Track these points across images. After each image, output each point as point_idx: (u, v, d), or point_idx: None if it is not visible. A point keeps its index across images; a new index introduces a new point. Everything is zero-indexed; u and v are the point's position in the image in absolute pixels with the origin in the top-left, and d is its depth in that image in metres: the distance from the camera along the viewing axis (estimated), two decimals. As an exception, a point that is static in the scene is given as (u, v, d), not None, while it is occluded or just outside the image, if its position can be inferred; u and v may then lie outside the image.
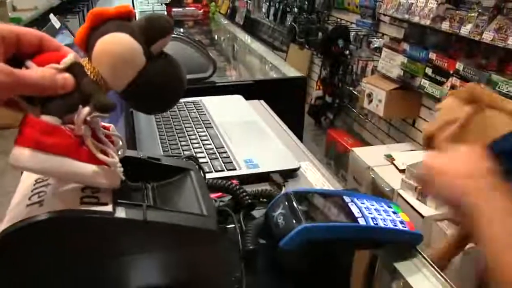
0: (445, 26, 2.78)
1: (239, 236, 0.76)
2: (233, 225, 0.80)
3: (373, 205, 0.79)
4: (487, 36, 2.46)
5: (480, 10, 2.58)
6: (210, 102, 1.47)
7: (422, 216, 2.24)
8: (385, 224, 0.75)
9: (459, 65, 2.76)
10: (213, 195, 0.87)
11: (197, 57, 1.78)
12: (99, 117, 0.54)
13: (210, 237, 0.58)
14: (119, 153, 0.58)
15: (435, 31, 2.93)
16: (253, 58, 2.63)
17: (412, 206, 2.35)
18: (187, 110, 1.38)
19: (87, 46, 0.53)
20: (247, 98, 1.56)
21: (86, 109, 0.51)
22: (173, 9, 3.66)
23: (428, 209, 2.25)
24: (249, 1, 6.92)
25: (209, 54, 1.83)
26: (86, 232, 0.53)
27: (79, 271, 0.54)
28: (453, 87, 2.77)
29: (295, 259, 0.70)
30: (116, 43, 0.51)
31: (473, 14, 2.61)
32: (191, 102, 1.45)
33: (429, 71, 3.02)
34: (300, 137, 1.90)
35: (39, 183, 0.57)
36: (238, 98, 1.53)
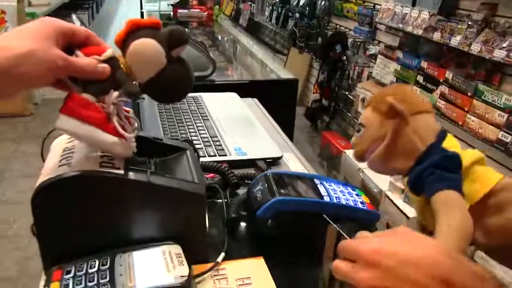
0: (436, 36, 2.90)
1: (225, 207, 0.92)
2: (220, 200, 0.95)
3: (339, 188, 0.94)
4: (475, 48, 2.58)
5: (469, 23, 2.69)
6: (208, 98, 1.62)
7: (408, 217, 2.37)
8: (346, 203, 0.90)
9: (448, 74, 2.88)
10: (206, 175, 1.03)
11: (199, 57, 1.92)
12: (122, 101, 0.71)
13: (199, 199, 0.74)
14: (135, 131, 0.74)
15: (428, 40, 3.04)
16: (251, 60, 2.77)
17: (398, 207, 2.48)
18: (187, 103, 1.54)
19: (123, 45, 0.70)
20: (242, 96, 1.70)
21: (116, 93, 0.68)
22: (179, 10, 3.78)
23: (413, 211, 2.37)
24: (253, 4, 7.04)
25: (210, 55, 1.98)
26: (103, 188, 0.69)
27: (97, 219, 0.70)
28: (442, 95, 2.90)
29: (270, 226, 0.86)
30: (146, 46, 0.69)
31: (463, 26, 2.73)
32: (191, 97, 1.60)
33: (420, 78, 3.15)
34: (291, 132, 2.05)
35: (66, 151, 0.73)
36: (233, 96, 1.68)
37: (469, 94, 2.68)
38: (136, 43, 0.68)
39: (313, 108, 4.66)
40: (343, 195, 0.92)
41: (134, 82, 0.71)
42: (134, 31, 0.70)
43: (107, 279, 0.66)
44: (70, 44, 0.68)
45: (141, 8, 6.61)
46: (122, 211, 0.71)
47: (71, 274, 0.68)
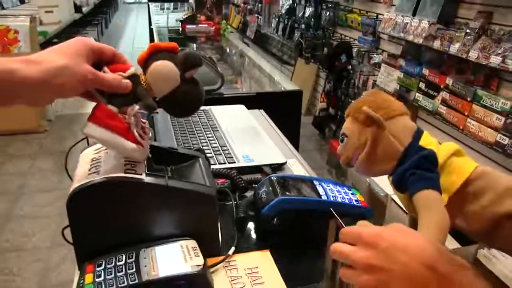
0: (436, 44, 3.00)
1: (234, 208, 1.03)
2: (231, 202, 1.06)
3: (336, 188, 1.05)
4: (473, 54, 2.67)
5: (467, 31, 2.78)
6: (217, 110, 1.73)
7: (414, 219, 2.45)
8: (342, 200, 1.00)
9: (448, 80, 2.97)
10: (217, 181, 1.14)
11: (208, 72, 2.05)
12: (141, 113, 0.82)
13: (210, 200, 0.85)
14: (150, 140, 0.86)
15: (429, 48, 3.14)
16: (258, 73, 2.88)
17: (403, 209, 2.57)
18: (198, 116, 1.65)
19: (145, 64, 0.82)
20: (249, 108, 1.81)
21: (137, 107, 0.80)
22: (187, 26, 3.87)
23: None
24: (259, 16, 7.16)
25: (218, 70, 2.10)
26: (127, 192, 0.80)
27: (123, 218, 0.82)
28: (443, 100, 2.99)
29: (274, 223, 0.96)
30: (164, 67, 0.80)
31: (461, 34, 2.82)
32: (201, 110, 1.71)
33: (422, 85, 3.24)
34: (297, 140, 2.16)
35: (94, 161, 0.84)
36: (240, 108, 1.80)
37: (468, 99, 2.77)
38: (156, 64, 0.80)
39: (320, 117, 4.75)
40: (339, 194, 1.02)
41: (151, 98, 0.82)
42: (155, 53, 0.81)
43: (134, 269, 0.77)
44: (99, 60, 0.80)
45: (150, 24, 6.77)
46: (144, 211, 0.83)
47: (102, 267, 0.79)
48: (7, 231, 3.17)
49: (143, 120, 0.85)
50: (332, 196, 1.00)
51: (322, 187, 1.02)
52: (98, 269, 0.79)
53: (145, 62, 0.82)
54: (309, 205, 0.96)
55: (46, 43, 5.64)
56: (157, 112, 1.57)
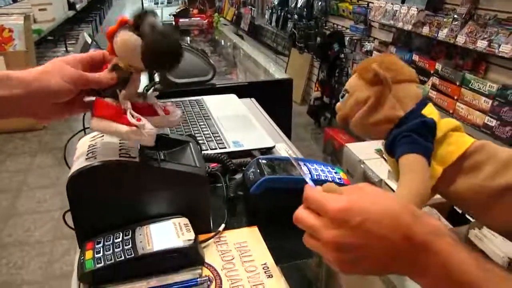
0: (425, 30, 3.05)
1: (224, 189, 1.09)
2: (221, 184, 1.13)
3: (320, 167, 1.11)
4: (460, 39, 2.73)
5: (455, 16, 2.84)
6: (209, 100, 1.79)
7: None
8: (325, 178, 1.07)
9: (438, 66, 3.04)
10: (209, 165, 1.20)
11: (200, 64, 2.11)
12: (153, 94, 0.90)
13: (200, 180, 0.92)
14: (178, 114, 0.93)
15: (418, 35, 3.20)
16: (250, 63, 2.94)
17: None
18: (191, 106, 1.71)
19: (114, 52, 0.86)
20: (241, 97, 1.87)
21: (123, 92, 0.85)
22: (180, 20, 3.91)
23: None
24: (253, 8, 7.20)
25: (210, 61, 2.16)
26: (122, 174, 0.87)
27: (119, 199, 0.88)
28: (433, 85, 3.05)
29: (261, 202, 1.02)
30: (118, 40, 0.84)
31: (448, 20, 2.88)
32: (194, 100, 1.77)
33: (413, 71, 3.30)
34: (288, 127, 2.22)
35: (91, 147, 0.90)
36: (232, 97, 1.86)
37: (457, 83, 2.83)
38: (114, 42, 0.84)
39: (315, 106, 4.80)
40: (323, 172, 1.08)
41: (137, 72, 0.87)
42: (110, 38, 0.85)
43: (130, 245, 0.84)
44: (93, 66, 0.86)
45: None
46: (138, 192, 0.89)
47: (101, 244, 0.85)
48: (9, 226, 3.24)
49: (168, 103, 0.92)
50: (316, 175, 1.06)
51: (307, 167, 1.08)
52: (97, 246, 0.85)
53: (113, 51, 0.86)
54: (294, 183, 1.02)
55: (41, 41, 5.69)
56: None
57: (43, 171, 4.01)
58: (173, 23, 3.93)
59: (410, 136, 0.88)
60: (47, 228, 3.21)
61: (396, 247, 0.59)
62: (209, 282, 0.84)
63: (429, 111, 0.93)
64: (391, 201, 0.62)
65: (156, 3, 7.53)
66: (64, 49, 6.59)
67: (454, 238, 0.60)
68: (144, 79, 0.91)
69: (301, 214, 0.65)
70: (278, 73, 2.50)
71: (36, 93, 0.79)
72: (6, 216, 3.36)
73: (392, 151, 0.92)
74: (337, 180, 1.08)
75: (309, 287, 0.86)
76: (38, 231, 3.20)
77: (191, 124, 1.52)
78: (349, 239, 0.59)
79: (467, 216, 1.37)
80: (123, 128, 0.82)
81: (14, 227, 3.23)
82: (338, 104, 0.99)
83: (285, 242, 0.93)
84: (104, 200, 0.88)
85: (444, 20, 2.92)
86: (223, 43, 3.67)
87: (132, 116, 0.82)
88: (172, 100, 1.75)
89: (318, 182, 1.05)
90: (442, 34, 2.89)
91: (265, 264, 0.89)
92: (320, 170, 1.09)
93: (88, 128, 0.95)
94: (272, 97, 2.05)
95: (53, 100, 0.82)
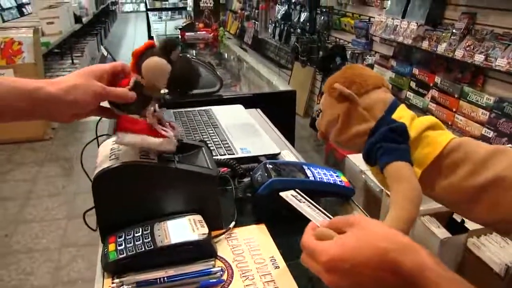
0: (425, 44, 3.14)
1: (234, 190, 1.18)
2: (231, 187, 1.21)
3: (322, 171, 1.19)
4: (458, 53, 2.81)
5: (453, 31, 2.94)
6: (217, 110, 1.88)
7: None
8: (327, 180, 1.15)
9: (437, 79, 3.12)
10: (220, 169, 1.28)
11: (207, 76, 2.20)
12: (163, 112, 0.98)
13: (213, 180, 1.00)
14: (177, 131, 1.01)
15: (419, 49, 3.29)
16: (254, 76, 3.03)
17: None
18: (200, 116, 1.79)
19: (137, 70, 0.94)
20: (247, 107, 1.96)
21: (151, 108, 0.94)
22: (186, 34, 4.00)
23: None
24: (256, 22, 7.30)
25: (217, 73, 2.25)
26: (143, 174, 0.95)
27: (139, 197, 0.96)
28: (433, 98, 3.13)
29: (268, 202, 1.10)
30: (149, 62, 0.91)
31: (447, 34, 2.98)
32: (203, 110, 1.86)
33: (413, 84, 3.39)
34: (292, 136, 2.30)
35: (113, 150, 0.98)
36: (239, 107, 1.95)
37: (456, 96, 2.91)
38: (144, 64, 0.92)
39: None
40: (326, 176, 1.17)
41: (158, 92, 0.96)
42: (138, 59, 0.93)
43: (149, 238, 0.91)
44: (114, 76, 0.96)
45: (149, 32, 6.92)
46: (157, 191, 0.98)
47: (123, 238, 0.93)
48: (18, 234, 3.32)
49: (171, 122, 1.01)
50: (319, 178, 1.14)
51: (310, 170, 1.17)
52: (119, 239, 0.93)
53: (138, 71, 0.94)
54: (299, 185, 1.09)
55: (48, 53, 5.80)
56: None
57: (50, 180, 4.09)
58: (179, 36, 4.02)
59: (382, 146, 0.90)
60: (55, 235, 3.28)
61: (387, 282, 0.65)
62: (221, 272, 0.91)
63: (400, 114, 0.94)
64: (379, 238, 0.68)
65: (160, 17, 7.66)
66: (70, 61, 6.72)
67: (443, 268, 0.64)
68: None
69: (303, 258, 0.75)
70: (282, 85, 2.59)
71: (63, 106, 0.88)
72: (15, 223, 3.44)
73: (369, 161, 0.96)
74: (338, 183, 1.16)
75: (314, 285, 0.91)
76: (46, 238, 3.27)
77: (201, 132, 1.61)
78: (342, 282, 0.67)
79: (466, 225, 1.43)
80: (157, 140, 0.91)
81: (22, 234, 3.30)
82: (316, 122, 1.04)
83: (291, 240, 0.97)
84: (126, 198, 0.96)
85: (443, 34, 3.02)
86: (228, 56, 3.76)
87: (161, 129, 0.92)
88: (181, 110, 1.85)
89: (320, 184, 1.14)
90: (441, 48, 2.97)
91: (272, 257, 0.97)
92: (323, 173, 1.17)
93: (101, 136, 1.05)
94: (277, 108, 2.14)
95: (76, 111, 0.92)
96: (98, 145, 1.08)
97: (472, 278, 0.65)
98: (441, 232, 1.44)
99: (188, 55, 0.99)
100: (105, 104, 0.96)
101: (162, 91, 0.96)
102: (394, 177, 0.88)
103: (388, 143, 0.90)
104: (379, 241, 0.67)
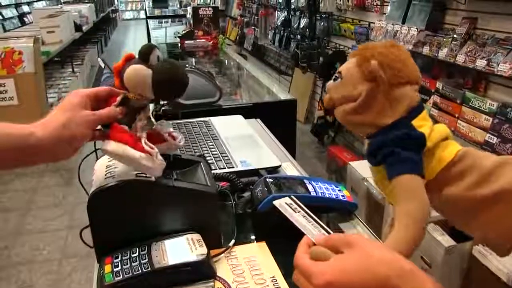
0: (426, 50, 3.12)
1: (233, 206, 1.15)
2: (231, 202, 1.18)
3: (324, 185, 1.16)
4: (460, 59, 2.79)
5: (454, 36, 2.91)
6: (216, 121, 1.85)
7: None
8: (329, 196, 1.12)
9: (438, 84, 3.09)
10: (218, 184, 1.26)
11: (207, 85, 2.18)
12: (164, 123, 0.96)
13: (211, 197, 0.97)
14: (182, 138, 1.00)
15: (420, 54, 3.24)
16: (254, 84, 3.01)
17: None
18: (199, 127, 1.77)
19: (123, 86, 0.92)
20: (247, 117, 1.93)
21: (139, 123, 0.91)
22: (186, 42, 3.99)
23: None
24: (256, 29, 7.30)
25: (217, 83, 2.23)
26: (139, 192, 0.92)
27: (135, 216, 0.94)
28: (435, 104, 3.11)
29: (269, 218, 1.07)
30: (128, 72, 0.90)
31: (448, 40, 2.95)
32: (202, 121, 1.83)
33: (414, 90, 3.35)
34: (293, 147, 2.27)
35: (109, 167, 0.96)
36: (238, 118, 1.92)
37: (458, 101, 2.89)
38: (124, 77, 0.90)
39: (318, 125, 4.85)
40: (328, 190, 1.14)
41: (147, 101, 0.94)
42: (118, 73, 0.92)
43: (146, 259, 0.89)
44: (98, 100, 0.93)
45: (149, 39, 6.90)
46: (154, 209, 0.95)
47: (119, 259, 0.91)
48: (18, 245, 3.29)
49: (175, 134, 1.00)
50: (321, 192, 1.12)
51: (312, 185, 1.14)
52: (115, 260, 0.90)
53: (122, 85, 0.92)
54: (300, 201, 1.07)
55: (48, 62, 5.79)
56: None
57: (50, 191, 4.07)
58: (179, 44, 4.01)
59: (394, 152, 0.82)
60: (55, 246, 3.26)
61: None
62: (221, 294, 0.89)
63: (421, 123, 0.85)
64: (379, 263, 0.64)
65: (160, 23, 7.66)
66: (71, 69, 6.71)
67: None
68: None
69: (296, 277, 0.70)
70: (282, 94, 2.56)
71: (59, 149, 0.86)
72: (15, 234, 3.42)
73: (374, 160, 0.87)
74: (341, 197, 1.14)
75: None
76: (46, 249, 3.25)
77: (200, 145, 1.58)
78: None
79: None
80: (136, 154, 0.87)
81: (22, 246, 3.28)
82: (329, 85, 0.92)
83: (293, 259, 0.95)
84: (122, 217, 0.94)
85: (444, 40, 2.99)
86: (227, 64, 3.74)
87: (146, 144, 0.89)
88: (180, 121, 1.82)
89: (322, 199, 1.11)
90: (442, 54, 2.95)
91: (273, 277, 0.95)
92: (325, 188, 1.15)
93: (99, 149, 1.02)
94: (277, 118, 2.12)
95: (76, 145, 0.88)
96: (97, 157, 1.06)
97: (478, 287, 0.61)
98: (446, 240, 1.43)
99: (178, 61, 0.97)
100: None
101: (161, 102, 0.93)
102: (405, 192, 0.81)
103: (401, 149, 0.82)
104: (380, 266, 0.63)
